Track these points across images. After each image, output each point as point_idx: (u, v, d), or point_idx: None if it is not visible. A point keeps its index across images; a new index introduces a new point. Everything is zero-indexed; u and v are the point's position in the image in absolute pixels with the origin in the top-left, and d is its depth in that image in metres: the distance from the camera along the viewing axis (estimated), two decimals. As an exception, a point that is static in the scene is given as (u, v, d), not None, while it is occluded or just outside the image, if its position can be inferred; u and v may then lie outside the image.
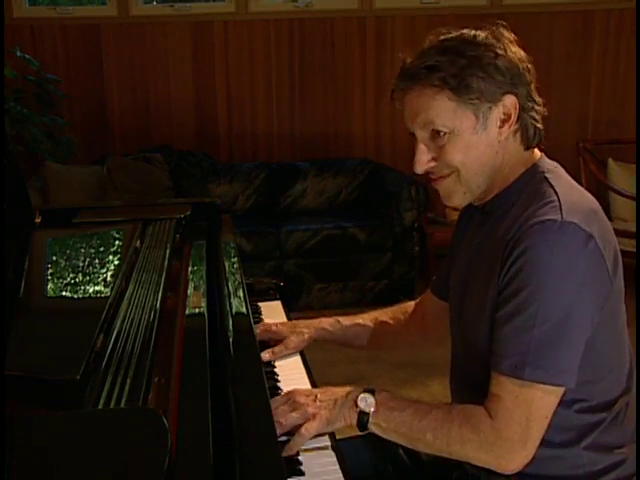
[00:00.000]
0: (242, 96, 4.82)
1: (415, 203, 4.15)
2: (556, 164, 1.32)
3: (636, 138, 4.10)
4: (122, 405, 0.95)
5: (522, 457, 1.16)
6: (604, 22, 4.76)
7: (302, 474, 1.14)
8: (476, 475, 1.31)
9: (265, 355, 1.54)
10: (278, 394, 1.40)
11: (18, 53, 4.28)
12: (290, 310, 1.88)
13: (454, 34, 1.26)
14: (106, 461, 0.78)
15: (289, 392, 1.29)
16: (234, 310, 1.44)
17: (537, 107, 1.26)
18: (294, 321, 1.68)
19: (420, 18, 4.71)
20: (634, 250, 3.78)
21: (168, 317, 1.31)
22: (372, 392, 1.24)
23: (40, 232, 1.76)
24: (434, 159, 1.26)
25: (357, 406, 1.22)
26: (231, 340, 1.29)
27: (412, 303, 1.67)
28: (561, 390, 1.16)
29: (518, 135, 1.26)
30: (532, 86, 1.26)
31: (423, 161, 1.27)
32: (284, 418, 1.22)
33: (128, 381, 1.00)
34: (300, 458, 1.18)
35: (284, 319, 1.79)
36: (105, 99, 4.77)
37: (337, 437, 1.29)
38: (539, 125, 1.27)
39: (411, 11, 4.73)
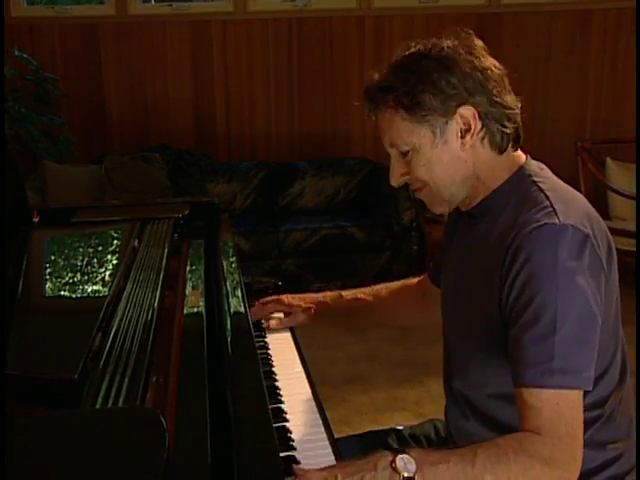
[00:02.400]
0: (240, 95, 4.81)
1: (413, 202, 4.16)
2: (542, 165, 1.31)
3: (636, 137, 4.10)
4: (120, 404, 0.95)
5: (580, 461, 1.11)
6: (602, 21, 4.76)
7: (300, 473, 1.14)
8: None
9: (272, 322, 1.71)
10: (277, 393, 1.40)
11: (16, 52, 4.27)
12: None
13: (413, 50, 1.25)
14: (104, 460, 0.78)
15: (302, 477, 1.08)
16: (232, 309, 1.44)
17: (506, 111, 1.23)
18: (303, 295, 1.76)
19: (418, 17, 4.71)
20: (634, 249, 3.78)
21: (166, 316, 1.31)
22: (402, 452, 1.08)
23: (38, 232, 1.76)
24: (406, 173, 1.29)
25: (398, 472, 1.05)
26: (229, 339, 1.30)
27: (415, 280, 1.70)
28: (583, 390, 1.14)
29: (486, 141, 1.25)
30: (499, 90, 1.22)
31: (396, 176, 1.30)
32: None
33: (126, 380, 1.00)
34: (298, 457, 1.18)
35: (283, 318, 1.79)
36: (103, 98, 4.77)
37: (335, 437, 1.29)
38: (507, 130, 1.24)
39: (409, 10, 4.73)
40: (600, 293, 1.18)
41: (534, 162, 1.31)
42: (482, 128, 1.23)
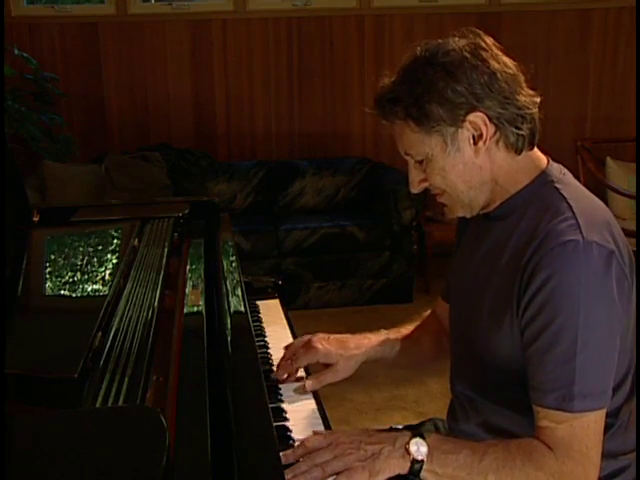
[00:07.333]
0: (240, 95, 4.81)
1: (413, 202, 4.15)
2: (564, 170, 1.27)
3: (636, 136, 4.10)
4: (120, 403, 0.95)
5: None
6: (602, 20, 4.77)
7: (300, 472, 1.14)
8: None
9: (309, 382, 1.42)
10: (277, 392, 1.40)
11: (16, 51, 4.27)
12: (288, 309, 1.88)
13: (420, 54, 1.21)
14: (104, 459, 0.78)
15: (332, 434, 1.17)
16: (232, 309, 1.44)
17: (520, 111, 1.19)
18: (343, 338, 1.50)
19: (418, 17, 4.71)
20: (634, 249, 3.77)
21: (166, 316, 1.31)
22: (421, 435, 1.14)
23: (38, 231, 1.76)
24: (425, 179, 1.27)
25: (409, 453, 1.12)
26: (229, 339, 1.29)
27: (428, 313, 1.61)
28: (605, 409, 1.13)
29: (501, 144, 1.21)
30: (511, 91, 1.19)
31: (415, 182, 1.28)
32: (326, 465, 1.11)
33: (126, 379, 1.00)
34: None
35: (282, 318, 1.79)
36: (103, 97, 4.76)
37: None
38: (522, 132, 1.20)
39: (409, 10, 4.72)
40: (624, 306, 1.15)
41: (556, 165, 1.28)
42: (495, 132, 1.19)
